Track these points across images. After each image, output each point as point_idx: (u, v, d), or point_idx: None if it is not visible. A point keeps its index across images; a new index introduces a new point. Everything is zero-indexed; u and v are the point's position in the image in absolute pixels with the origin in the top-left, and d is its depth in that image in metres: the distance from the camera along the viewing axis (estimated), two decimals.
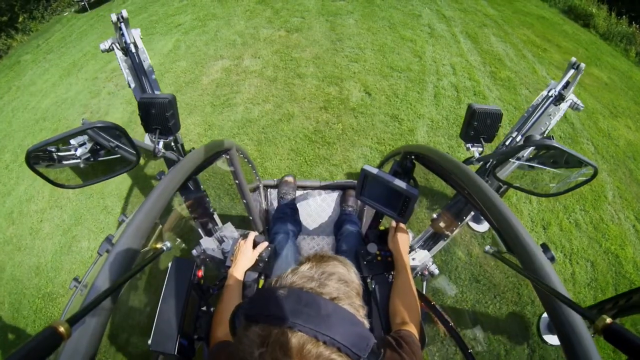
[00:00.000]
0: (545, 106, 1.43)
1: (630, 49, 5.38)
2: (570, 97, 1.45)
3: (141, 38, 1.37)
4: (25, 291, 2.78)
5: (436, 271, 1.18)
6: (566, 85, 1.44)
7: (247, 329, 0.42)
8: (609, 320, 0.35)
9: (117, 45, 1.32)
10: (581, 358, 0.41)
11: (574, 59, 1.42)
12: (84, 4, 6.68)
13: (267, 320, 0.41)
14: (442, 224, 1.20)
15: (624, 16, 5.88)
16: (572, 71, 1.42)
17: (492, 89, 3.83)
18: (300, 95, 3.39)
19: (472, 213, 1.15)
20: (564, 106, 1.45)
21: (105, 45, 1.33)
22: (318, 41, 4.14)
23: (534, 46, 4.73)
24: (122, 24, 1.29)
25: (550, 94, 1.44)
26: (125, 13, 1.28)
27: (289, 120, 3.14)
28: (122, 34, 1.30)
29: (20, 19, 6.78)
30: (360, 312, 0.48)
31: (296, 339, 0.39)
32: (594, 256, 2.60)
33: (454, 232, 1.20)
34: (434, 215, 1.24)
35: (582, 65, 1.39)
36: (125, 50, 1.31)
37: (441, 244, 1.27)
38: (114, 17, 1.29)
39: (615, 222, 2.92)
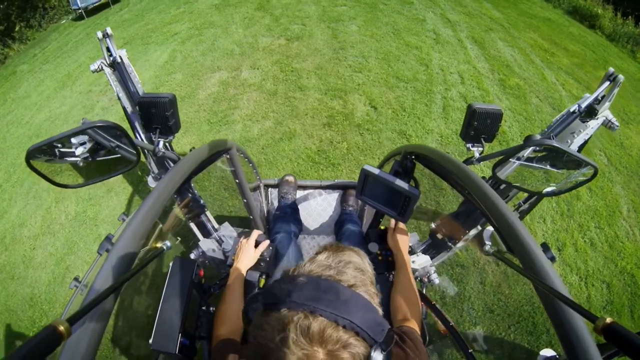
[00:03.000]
0: (569, 121, 1.18)
1: (637, 50, 5.00)
2: (604, 113, 1.17)
3: (128, 57, 1.36)
4: (20, 323, 2.52)
5: (436, 280, 1.13)
6: (599, 100, 1.16)
7: (268, 316, 0.41)
8: (609, 319, 0.33)
9: (105, 62, 1.31)
10: (581, 358, 0.38)
11: (611, 70, 1.12)
12: (81, 12, 6.25)
13: (287, 305, 0.39)
14: (443, 231, 1.14)
15: (629, 17, 5.45)
16: (607, 83, 1.14)
17: (502, 98, 3.47)
18: (302, 111, 3.03)
19: (479, 228, 1.07)
20: (593, 124, 1.18)
21: (94, 66, 1.32)
22: (320, 50, 3.75)
23: (541, 50, 4.34)
24: (108, 39, 1.28)
25: (573, 110, 1.16)
26: (109, 30, 1.27)
27: (291, 139, 2.80)
28: (109, 50, 1.29)
29: (17, 28, 6.35)
30: (375, 300, 0.46)
31: (317, 323, 0.38)
32: (609, 277, 2.39)
33: (458, 245, 1.13)
34: (432, 226, 1.17)
35: (621, 77, 1.10)
36: (113, 65, 1.31)
37: (444, 255, 1.20)
38: (99, 34, 1.28)
39: (630, 239, 2.71)
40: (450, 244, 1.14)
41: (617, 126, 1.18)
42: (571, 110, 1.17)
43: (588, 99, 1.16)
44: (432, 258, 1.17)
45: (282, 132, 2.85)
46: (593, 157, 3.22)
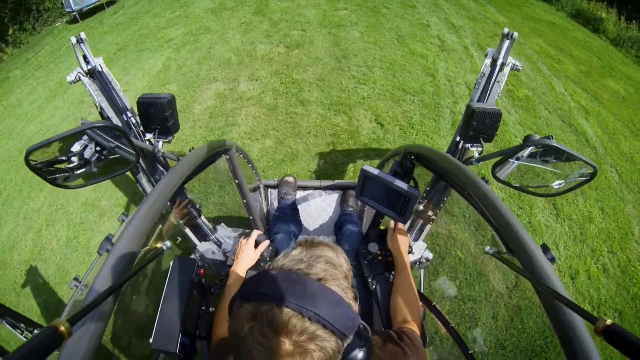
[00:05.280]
0: (496, 75, 1.32)
1: None
2: (510, 61, 1.37)
3: (106, 63, 1.25)
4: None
5: (430, 256, 1.15)
6: (506, 54, 1.33)
7: (241, 307, 0.41)
8: (609, 321, 0.31)
9: (82, 71, 1.18)
10: (581, 359, 0.36)
11: (506, 30, 1.29)
12: (76, 15, 5.74)
13: (257, 298, 0.40)
14: (429, 213, 1.18)
15: (634, 21, 5.07)
16: (508, 41, 1.32)
17: (512, 111, 3.16)
18: (305, 128, 2.70)
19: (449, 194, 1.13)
20: (507, 69, 1.38)
21: (71, 77, 1.19)
22: (321, 59, 3.38)
23: (548, 57, 3.99)
24: (83, 45, 1.16)
25: (496, 67, 1.32)
26: (83, 35, 1.16)
27: (293, 161, 2.49)
28: (86, 58, 1.17)
29: (11, 32, 5.85)
30: (348, 295, 0.44)
31: (283, 314, 0.38)
32: (622, 305, 2.21)
33: (439, 215, 1.19)
34: (420, 207, 1.20)
35: (516, 34, 1.28)
36: (92, 73, 1.18)
37: (428, 228, 1.24)
38: (73, 40, 1.15)
39: None
40: (430, 219, 1.19)
41: (521, 66, 1.38)
42: (498, 67, 1.30)
43: (501, 55, 1.30)
44: (420, 239, 1.22)
45: (284, 153, 2.53)
46: (605, 175, 2.96)
